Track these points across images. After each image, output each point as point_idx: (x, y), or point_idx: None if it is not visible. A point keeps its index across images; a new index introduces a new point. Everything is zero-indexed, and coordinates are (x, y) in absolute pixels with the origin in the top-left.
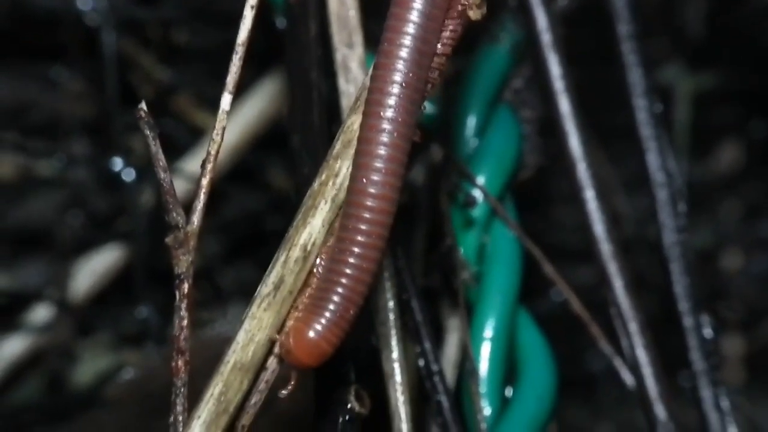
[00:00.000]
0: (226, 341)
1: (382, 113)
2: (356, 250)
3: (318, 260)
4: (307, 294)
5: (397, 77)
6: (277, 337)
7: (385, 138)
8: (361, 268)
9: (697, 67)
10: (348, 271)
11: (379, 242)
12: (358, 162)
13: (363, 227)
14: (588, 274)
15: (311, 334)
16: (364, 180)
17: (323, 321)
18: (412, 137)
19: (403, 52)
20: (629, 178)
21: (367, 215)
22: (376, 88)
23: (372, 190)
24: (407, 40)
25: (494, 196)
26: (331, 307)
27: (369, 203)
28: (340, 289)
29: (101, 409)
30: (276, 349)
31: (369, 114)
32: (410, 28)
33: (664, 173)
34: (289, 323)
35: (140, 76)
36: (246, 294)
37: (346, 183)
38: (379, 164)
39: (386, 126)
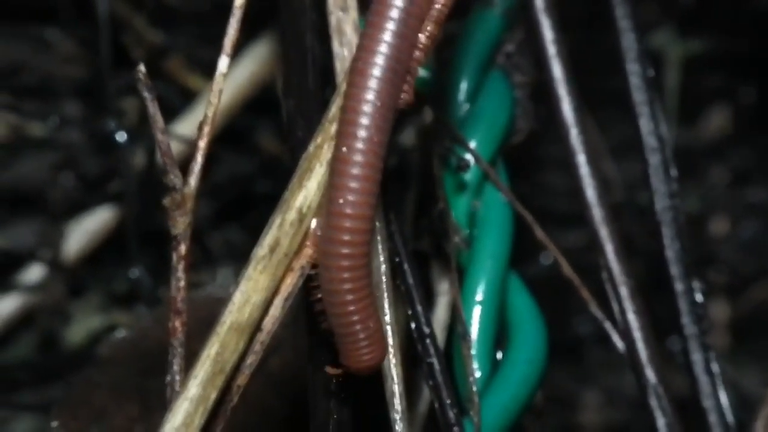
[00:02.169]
0: (217, 303)
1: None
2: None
3: (313, 223)
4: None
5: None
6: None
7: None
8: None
9: (686, 33)
10: (349, 300)
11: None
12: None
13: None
14: (577, 239)
15: (363, 362)
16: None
17: (361, 348)
18: (394, 110)
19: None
20: (617, 144)
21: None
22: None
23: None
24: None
25: (486, 160)
26: (357, 336)
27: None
28: (353, 318)
29: (93, 368)
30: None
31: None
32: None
33: (656, 138)
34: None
35: (133, 39)
36: (235, 257)
37: None
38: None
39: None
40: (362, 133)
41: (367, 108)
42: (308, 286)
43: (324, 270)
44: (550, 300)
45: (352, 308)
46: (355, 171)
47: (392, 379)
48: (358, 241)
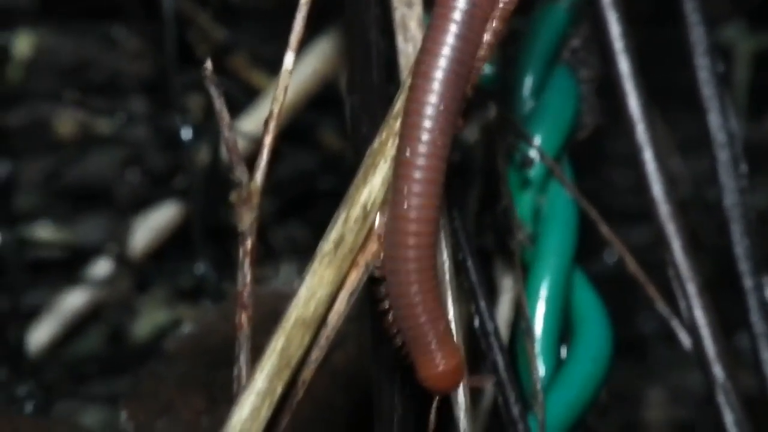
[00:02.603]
0: (280, 297)
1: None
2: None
3: (378, 218)
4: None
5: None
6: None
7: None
8: (428, 294)
9: (756, 27)
10: (417, 301)
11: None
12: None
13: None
14: (642, 236)
15: (439, 369)
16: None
17: (435, 353)
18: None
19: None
20: (685, 139)
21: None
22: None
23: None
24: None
25: (551, 156)
26: (427, 339)
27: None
28: (422, 320)
29: (160, 362)
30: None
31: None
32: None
33: (725, 133)
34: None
35: (198, 36)
36: (297, 253)
37: None
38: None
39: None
40: (425, 136)
41: (430, 111)
42: (375, 296)
43: (391, 275)
44: (614, 297)
45: (420, 311)
46: (419, 175)
47: None
48: (425, 243)
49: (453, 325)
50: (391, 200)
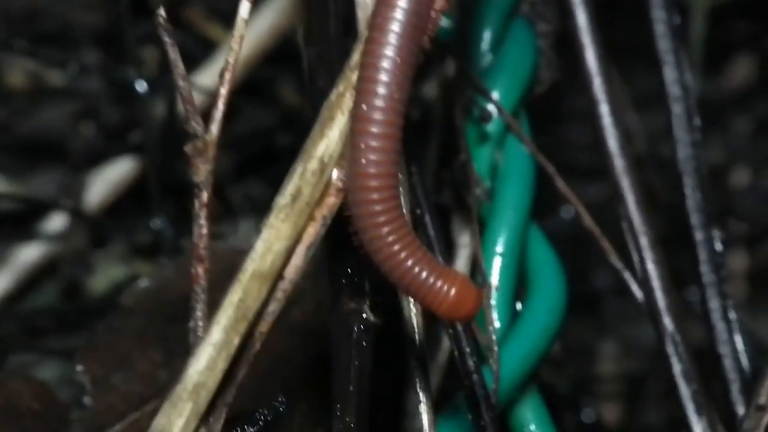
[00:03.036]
0: (239, 254)
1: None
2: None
3: (335, 173)
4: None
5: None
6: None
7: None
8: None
9: None
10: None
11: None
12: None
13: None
14: (599, 193)
15: (450, 298)
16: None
17: (438, 291)
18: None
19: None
20: (641, 95)
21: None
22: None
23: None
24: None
25: (509, 111)
26: (425, 284)
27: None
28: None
29: (116, 317)
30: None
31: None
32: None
33: (680, 87)
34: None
35: None
36: (256, 210)
37: None
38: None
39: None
40: (382, 90)
41: (387, 64)
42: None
43: (362, 232)
44: (570, 253)
45: (405, 259)
46: (377, 129)
47: (413, 328)
48: (387, 197)
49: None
50: (349, 156)
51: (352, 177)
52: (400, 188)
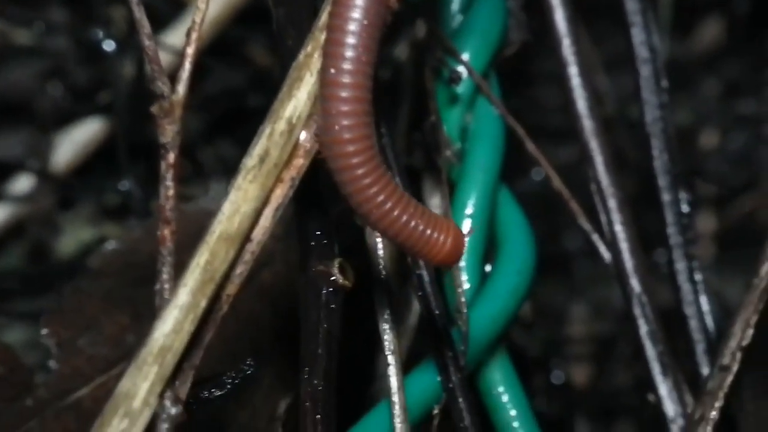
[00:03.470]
0: (209, 216)
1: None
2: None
3: (303, 134)
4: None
5: None
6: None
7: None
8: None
9: None
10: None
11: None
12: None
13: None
14: (570, 155)
15: (449, 243)
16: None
17: (432, 245)
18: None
19: None
20: (611, 57)
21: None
22: None
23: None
24: None
25: (479, 72)
26: (428, 231)
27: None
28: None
29: (84, 279)
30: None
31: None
32: None
33: (647, 49)
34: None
35: None
36: (227, 171)
37: None
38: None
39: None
40: (350, 53)
41: (353, 27)
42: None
43: (349, 198)
44: (541, 215)
45: (396, 215)
46: (346, 93)
47: (382, 290)
48: (366, 159)
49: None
50: (321, 122)
51: (325, 144)
52: (377, 148)
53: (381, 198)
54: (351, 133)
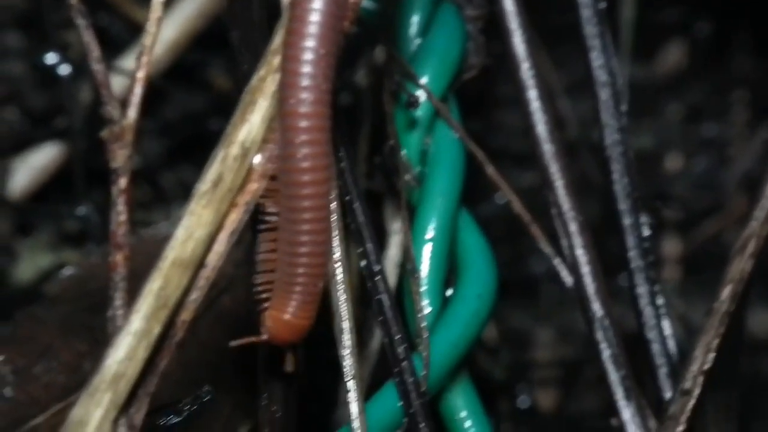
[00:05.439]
0: (168, 241)
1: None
2: (307, 225)
3: (257, 158)
4: (275, 280)
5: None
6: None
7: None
8: (317, 246)
9: None
10: (305, 250)
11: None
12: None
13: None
14: (530, 179)
15: (287, 317)
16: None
17: (294, 303)
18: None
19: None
20: (573, 82)
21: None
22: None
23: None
24: None
25: (437, 96)
26: (298, 288)
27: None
28: (302, 270)
29: (41, 306)
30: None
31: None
32: None
33: (606, 72)
34: (266, 313)
35: None
36: (188, 196)
37: None
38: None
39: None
40: (307, 82)
41: (310, 56)
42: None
43: (286, 220)
44: (506, 239)
45: (307, 263)
46: (305, 124)
47: (342, 315)
48: (320, 192)
49: (338, 263)
50: (282, 152)
51: (284, 172)
52: (333, 185)
53: (307, 238)
54: (310, 161)
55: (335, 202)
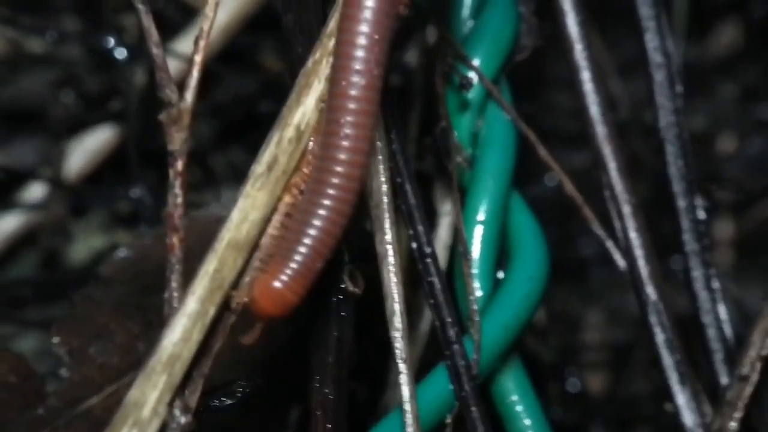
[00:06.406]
0: (219, 222)
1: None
2: (328, 201)
3: (311, 142)
4: (275, 241)
5: None
6: (233, 293)
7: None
8: (332, 220)
9: None
10: (318, 222)
11: (355, 182)
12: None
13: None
14: (582, 160)
15: (277, 284)
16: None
17: (289, 272)
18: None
19: None
20: (625, 61)
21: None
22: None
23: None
24: None
25: (489, 78)
26: (299, 258)
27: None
28: (309, 242)
29: (95, 287)
30: (233, 303)
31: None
32: None
33: (661, 54)
34: (253, 274)
35: None
36: (238, 178)
37: None
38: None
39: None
40: (360, 66)
41: (363, 41)
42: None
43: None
44: (555, 221)
45: (322, 237)
46: (353, 106)
47: (393, 298)
48: (353, 174)
49: (388, 245)
50: (325, 128)
51: (325, 147)
52: (370, 169)
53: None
54: (354, 142)
55: (385, 184)
